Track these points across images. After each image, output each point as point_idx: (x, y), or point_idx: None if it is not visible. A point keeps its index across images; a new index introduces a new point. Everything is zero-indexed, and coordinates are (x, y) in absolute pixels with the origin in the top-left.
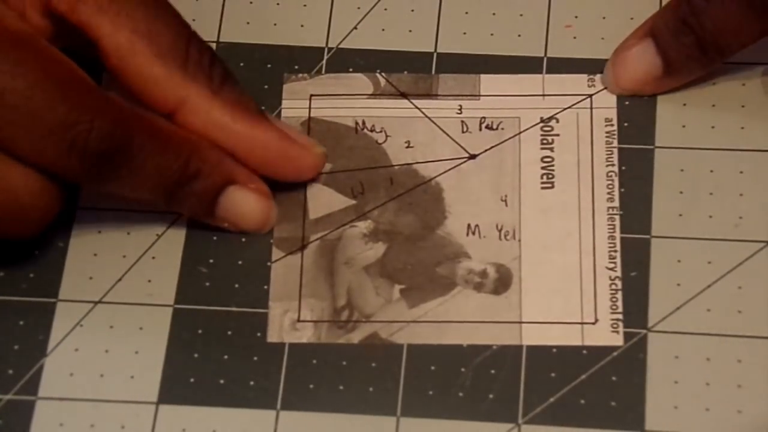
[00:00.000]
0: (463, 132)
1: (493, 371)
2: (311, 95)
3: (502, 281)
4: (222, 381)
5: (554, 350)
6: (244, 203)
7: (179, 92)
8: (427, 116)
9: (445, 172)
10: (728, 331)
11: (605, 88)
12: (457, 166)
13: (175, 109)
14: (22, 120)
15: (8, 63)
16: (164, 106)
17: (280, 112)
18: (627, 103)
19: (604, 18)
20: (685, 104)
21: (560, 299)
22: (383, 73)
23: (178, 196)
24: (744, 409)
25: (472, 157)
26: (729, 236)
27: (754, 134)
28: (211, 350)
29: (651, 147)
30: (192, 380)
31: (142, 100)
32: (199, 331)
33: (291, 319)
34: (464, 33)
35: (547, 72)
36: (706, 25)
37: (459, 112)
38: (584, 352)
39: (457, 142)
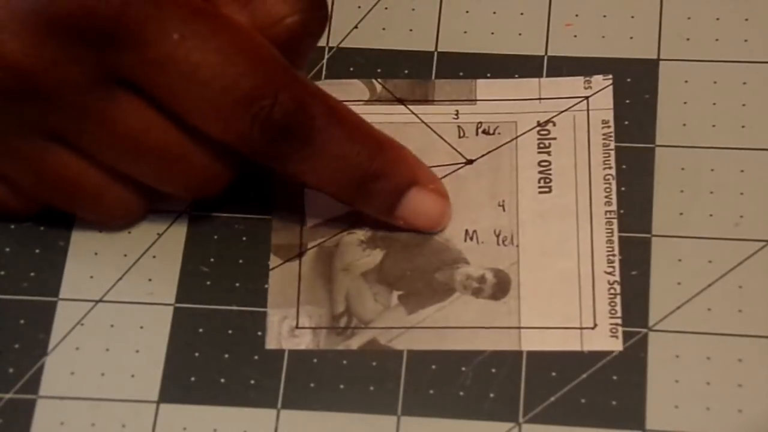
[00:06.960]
0: (459, 137)
1: (493, 370)
2: None
3: (501, 287)
4: (223, 380)
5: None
6: (425, 205)
7: None
8: (423, 122)
9: (442, 177)
10: (729, 330)
11: (601, 89)
12: (454, 171)
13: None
14: (211, 94)
15: (201, 37)
16: None
17: None
18: (628, 101)
19: (604, 16)
20: (685, 102)
21: (559, 304)
22: (380, 80)
23: (361, 193)
24: (745, 409)
25: (470, 162)
26: (729, 235)
27: (755, 133)
28: (211, 349)
29: (652, 145)
30: (193, 379)
31: None
32: (200, 330)
33: (289, 326)
34: (465, 32)
35: (548, 70)
36: None
37: (456, 117)
38: (585, 351)
39: (454, 148)
